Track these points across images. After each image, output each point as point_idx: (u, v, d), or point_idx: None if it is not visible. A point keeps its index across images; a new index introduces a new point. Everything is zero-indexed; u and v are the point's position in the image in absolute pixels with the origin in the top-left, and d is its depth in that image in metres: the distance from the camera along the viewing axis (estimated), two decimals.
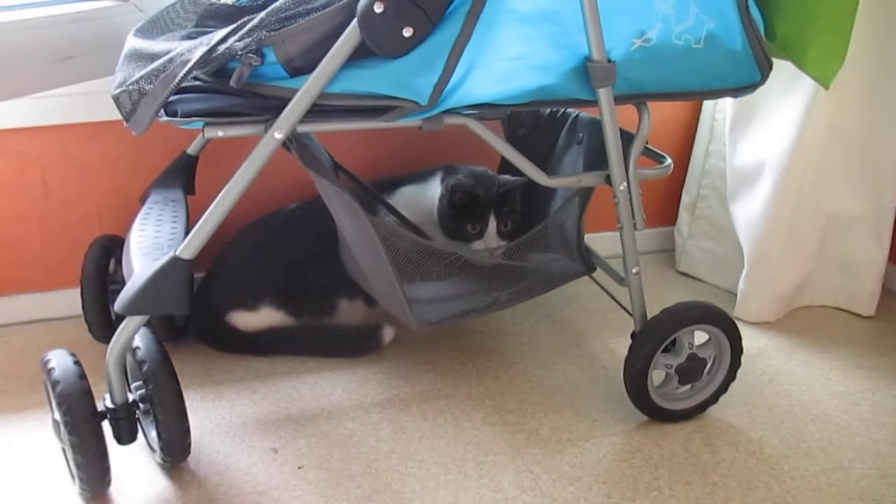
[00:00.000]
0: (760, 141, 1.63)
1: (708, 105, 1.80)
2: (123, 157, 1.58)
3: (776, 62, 1.25)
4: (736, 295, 1.71)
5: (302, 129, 1.07)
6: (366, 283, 1.38)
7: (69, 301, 1.56)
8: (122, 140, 1.55)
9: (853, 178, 1.63)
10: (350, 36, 1.00)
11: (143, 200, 1.40)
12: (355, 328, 1.52)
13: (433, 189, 1.49)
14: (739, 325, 1.34)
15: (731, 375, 1.35)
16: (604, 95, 1.14)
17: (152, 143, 1.54)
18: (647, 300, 1.30)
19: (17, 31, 1.25)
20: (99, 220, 1.61)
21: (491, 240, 1.44)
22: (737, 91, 1.24)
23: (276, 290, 1.48)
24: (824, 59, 1.26)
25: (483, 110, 1.14)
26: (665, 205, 1.94)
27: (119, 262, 1.46)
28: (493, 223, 1.43)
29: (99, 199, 1.60)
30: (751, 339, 1.61)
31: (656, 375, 1.32)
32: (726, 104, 1.70)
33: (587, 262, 1.41)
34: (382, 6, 0.98)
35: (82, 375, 1.08)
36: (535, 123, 1.54)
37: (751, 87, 1.24)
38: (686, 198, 1.87)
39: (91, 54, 1.35)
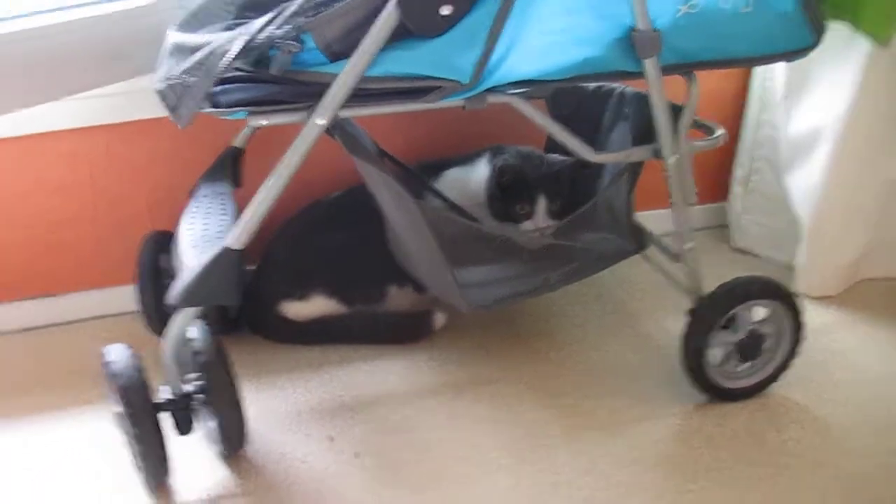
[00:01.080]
0: (815, 108, 1.57)
1: (758, 73, 1.74)
2: (171, 153, 1.60)
3: (829, 25, 1.20)
4: (794, 269, 1.65)
5: (344, 114, 1.06)
6: (414, 269, 1.37)
7: (127, 297, 1.58)
8: (169, 136, 1.56)
9: None
10: (388, 17, 0.99)
11: (191, 195, 1.41)
12: (406, 314, 1.52)
13: (480, 171, 1.47)
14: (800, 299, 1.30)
15: (793, 352, 1.31)
16: (650, 66, 1.11)
17: (198, 137, 1.54)
18: (702, 277, 1.27)
19: (64, 31, 1.27)
20: (150, 216, 1.63)
21: (540, 219, 1.41)
22: (789, 56, 1.20)
23: (326, 278, 1.48)
24: (881, 18, 1.21)
25: (527, 88, 1.11)
26: (716, 180, 1.89)
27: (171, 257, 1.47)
28: (542, 203, 1.41)
29: (149, 196, 1.62)
30: (812, 314, 1.54)
31: (714, 354, 1.28)
32: (778, 71, 1.64)
33: (638, 241, 1.38)
34: None
35: (140, 369, 1.10)
36: (579, 102, 1.51)
37: (803, 51, 1.19)
38: (739, 171, 1.82)
39: (137, 52, 1.36)
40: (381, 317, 1.51)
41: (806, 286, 1.63)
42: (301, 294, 1.48)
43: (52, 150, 1.54)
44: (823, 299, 1.62)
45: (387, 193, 1.19)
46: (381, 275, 1.49)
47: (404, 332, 1.51)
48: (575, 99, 1.52)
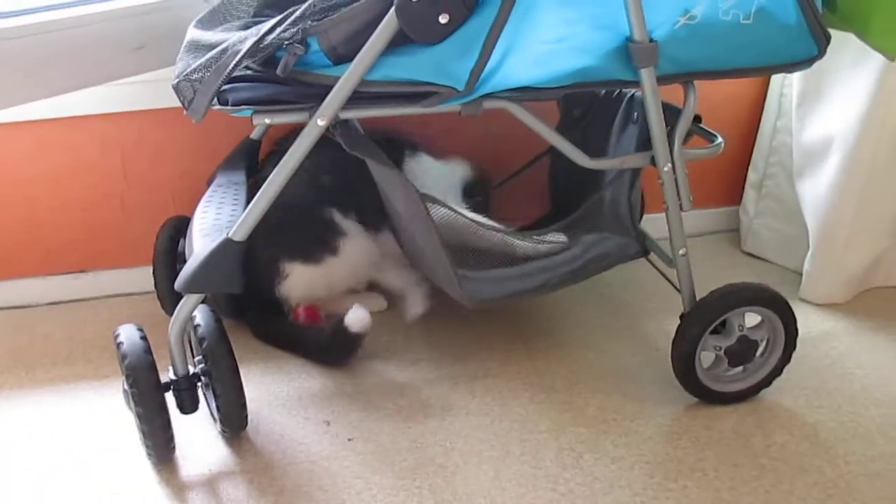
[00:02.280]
0: (829, 116, 1.57)
1: (776, 80, 1.74)
2: (198, 142, 1.65)
3: (844, 35, 1.20)
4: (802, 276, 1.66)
5: (344, 115, 1.10)
6: (417, 259, 1.41)
7: (148, 277, 1.65)
8: (193, 125, 1.62)
9: None
10: (388, 24, 1.02)
11: (209, 183, 1.47)
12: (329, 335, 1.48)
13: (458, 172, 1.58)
14: (805, 306, 1.31)
15: (785, 358, 1.33)
16: (646, 76, 1.13)
17: (226, 128, 1.59)
18: (710, 281, 1.29)
19: (94, 22, 1.33)
20: (175, 201, 1.70)
21: None
22: (792, 66, 1.20)
23: (288, 246, 1.49)
24: (890, 30, 1.20)
25: (526, 94, 1.14)
26: (731, 183, 1.89)
27: None
28: None
29: (175, 182, 1.69)
30: (815, 321, 1.57)
31: (705, 357, 1.31)
32: (794, 79, 1.64)
33: (642, 243, 1.39)
34: None
35: (148, 350, 1.16)
36: (591, 103, 1.53)
37: (807, 61, 1.20)
38: (753, 176, 1.82)
39: (162, 44, 1.42)
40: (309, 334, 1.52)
41: (811, 293, 1.63)
42: (283, 272, 1.50)
43: (87, 132, 1.61)
44: (829, 306, 1.63)
45: (398, 189, 1.22)
46: (330, 224, 1.50)
47: (330, 353, 1.49)
48: (587, 100, 1.54)
